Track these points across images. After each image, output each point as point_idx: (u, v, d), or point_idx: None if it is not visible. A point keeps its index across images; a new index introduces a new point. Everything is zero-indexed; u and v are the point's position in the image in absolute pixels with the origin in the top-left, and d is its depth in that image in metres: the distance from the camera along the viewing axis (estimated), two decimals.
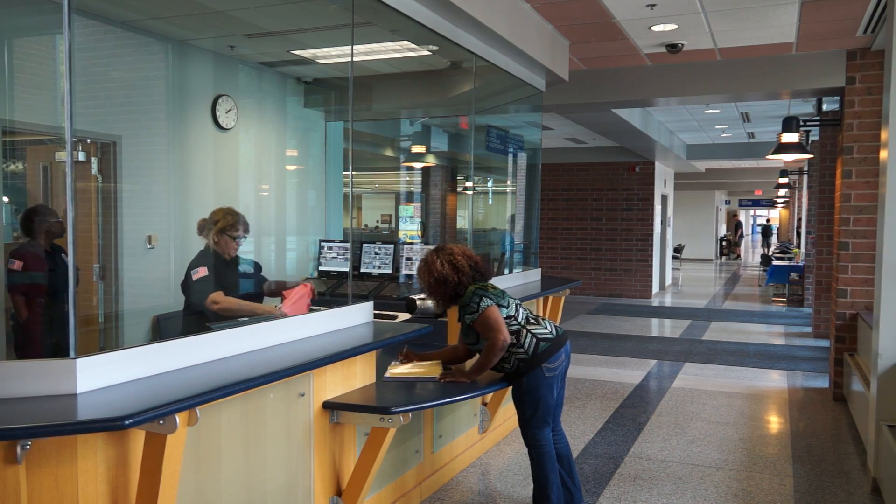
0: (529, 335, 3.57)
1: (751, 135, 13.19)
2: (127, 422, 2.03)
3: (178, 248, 5.89)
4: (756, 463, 4.70)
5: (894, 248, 4.14)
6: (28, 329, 4.32)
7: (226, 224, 4.12)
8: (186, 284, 4.02)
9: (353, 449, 3.42)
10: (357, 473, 3.26)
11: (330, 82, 7.32)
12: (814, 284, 9.54)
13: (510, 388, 3.71)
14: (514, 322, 3.59)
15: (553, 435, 3.72)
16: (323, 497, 3.23)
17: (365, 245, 6.24)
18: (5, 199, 4.83)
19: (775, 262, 14.34)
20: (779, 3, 5.18)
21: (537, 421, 3.60)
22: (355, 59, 5.13)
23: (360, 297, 4.33)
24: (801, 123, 7.51)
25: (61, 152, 5.07)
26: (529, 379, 3.55)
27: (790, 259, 15.10)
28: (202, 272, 3.99)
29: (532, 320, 3.66)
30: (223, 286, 3.96)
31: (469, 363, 3.86)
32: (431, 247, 3.81)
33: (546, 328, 3.64)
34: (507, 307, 3.60)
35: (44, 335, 4.30)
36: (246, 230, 4.23)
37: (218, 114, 6.13)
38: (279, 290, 4.00)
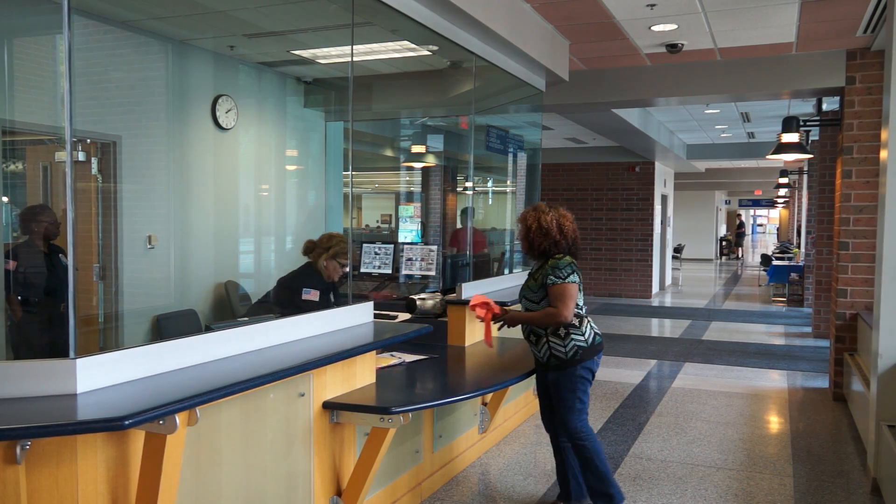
0: (589, 326, 3.71)
1: (751, 135, 13.18)
2: (127, 422, 2.03)
3: (178, 248, 5.89)
4: (756, 463, 4.70)
5: (894, 248, 4.14)
6: (23, 329, 4.31)
7: (339, 251, 4.21)
8: (286, 297, 4.06)
9: (353, 449, 3.42)
10: (357, 473, 3.26)
11: (330, 82, 7.32)
12: (814, 284, 9.54)
13: (510, 388, 3.72)
14: (579, 309, 3.70)
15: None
16: (323, 497, 3.23)
17: (365, 245, 6.24)
18: (5, 199, 4.83)
19: (775, 262, 14.34)
20: (779, 3, 5.18)
21: (582, 412, 3.67)
22: (355, 59, 5.13)
23: (360, 297, 4.33)
24: (801, 123, 7.51)
25: (61, 152, 5.07)
26: (582, 367, 3.65)
27: (790, 259, 15.09)
28: (314, 295, 4.14)
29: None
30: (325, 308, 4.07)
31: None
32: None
33: (596, 326, 3.80)
34: (580, 293, 3.72)
35: (40, 335, 4.30)
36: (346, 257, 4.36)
37: (218, 114, 6.13)
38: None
